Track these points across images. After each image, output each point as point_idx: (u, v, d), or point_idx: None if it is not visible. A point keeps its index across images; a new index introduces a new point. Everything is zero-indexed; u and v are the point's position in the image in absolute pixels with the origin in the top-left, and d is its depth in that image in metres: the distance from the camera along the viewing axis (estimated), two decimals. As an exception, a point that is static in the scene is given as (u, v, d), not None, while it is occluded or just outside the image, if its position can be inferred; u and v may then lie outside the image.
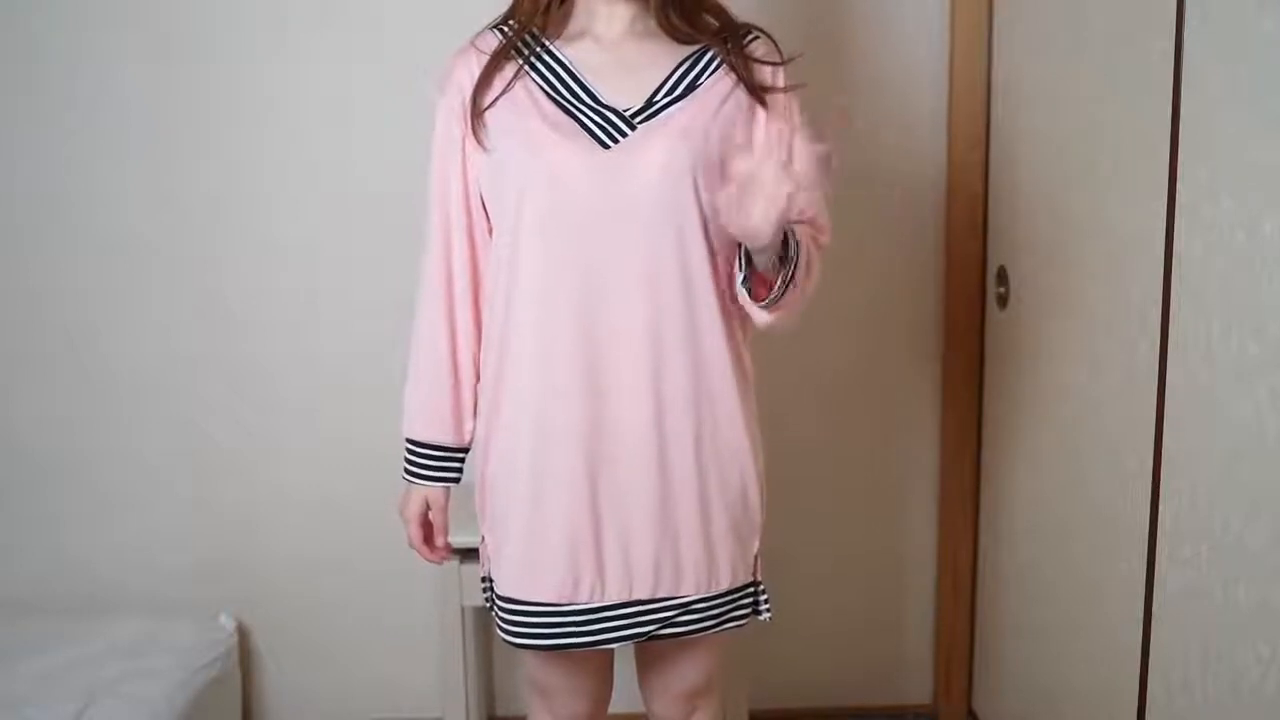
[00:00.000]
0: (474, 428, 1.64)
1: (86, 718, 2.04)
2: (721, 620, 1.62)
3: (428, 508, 1.69)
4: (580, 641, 1.57)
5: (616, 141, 1.49)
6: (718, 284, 1.53)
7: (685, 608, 1.59)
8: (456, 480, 1.68)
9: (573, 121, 1.50)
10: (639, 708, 1.82)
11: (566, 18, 1.55)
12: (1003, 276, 2.25)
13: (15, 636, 2.30)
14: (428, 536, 1.71)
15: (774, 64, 1.57)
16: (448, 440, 1.65)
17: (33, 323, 2.39)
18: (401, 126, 2.30)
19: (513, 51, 1.54)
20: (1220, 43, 1.45)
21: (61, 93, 2.31)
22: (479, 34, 1.60)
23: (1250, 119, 1.38)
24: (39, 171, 2.34)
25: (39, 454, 2.44)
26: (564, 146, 1.49)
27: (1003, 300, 2.25)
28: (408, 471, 1.67)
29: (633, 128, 1.50)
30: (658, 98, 1.51)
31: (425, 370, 1.63)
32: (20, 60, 2.30)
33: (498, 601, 1.61)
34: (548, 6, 1.54)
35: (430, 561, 1.74)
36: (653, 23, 1.54)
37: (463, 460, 1.67)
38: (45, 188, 2.35)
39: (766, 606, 1.67)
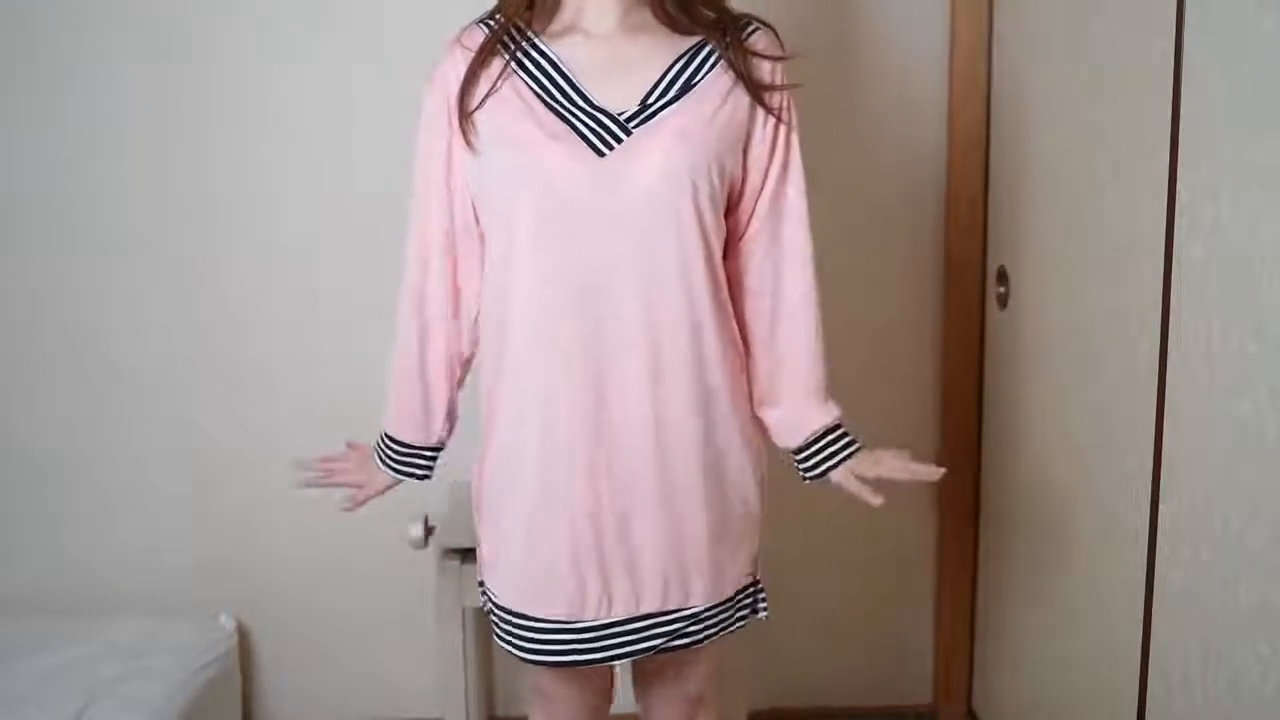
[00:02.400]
0: (441, 432, 1.68)
1: (86, 718, 2.04)
2: (726, 625, 1.61)
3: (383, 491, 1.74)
4: (590, 658, 1.55)
5: (612, 148, 1.45)
6: (716, 287, 1.51)
7: (694, 618, 1.57)
8: (425, 477, 1.72)
9: (566, 127, 1.46)
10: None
11: (554, 10, 1.51)
12: (1003, 276, 2.25)
13: (15, 636, 2.31)
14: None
15: (774, 59, 1.53)
16: (415, 439, 1.68)
17: (33, 323, 2.39)
18: (401, 126, 2.28)
19: (499, 46, 1.50)
20: (1220, 43, 1.44)
21: (61, 93, 2.31)
22: (466, 29, 1.56)
23: (1250, 119, 1.38)
24: (39, 171, 2.34)
25: (39, 454, 2.44)
26: (558, 153, 1.45)
27: (1003, 300, 2.25)
28: (382, 460, 1.72)
29: (628, 133, 1.45)
30: (651, 100, 1.47)
31: (397, 367, 1.65)
32: (20, 60, 2.30)
33: (499, 612, 1.59)
34: None
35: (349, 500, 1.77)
36: (647, 15, 1.50)
37: (433, 460, 1.71)
38: (45, 188, 2.35)
39: (764, 605, 1.66)
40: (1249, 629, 1.40)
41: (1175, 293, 1.56)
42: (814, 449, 1.65)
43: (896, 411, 2.50)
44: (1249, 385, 1.39)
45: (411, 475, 1.71)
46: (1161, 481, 1.62)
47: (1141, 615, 1.68)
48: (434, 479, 2.38)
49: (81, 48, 2.29)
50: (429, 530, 2.18)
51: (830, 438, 1.65)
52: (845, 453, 1.65)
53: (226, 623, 2.43)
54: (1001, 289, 2.25)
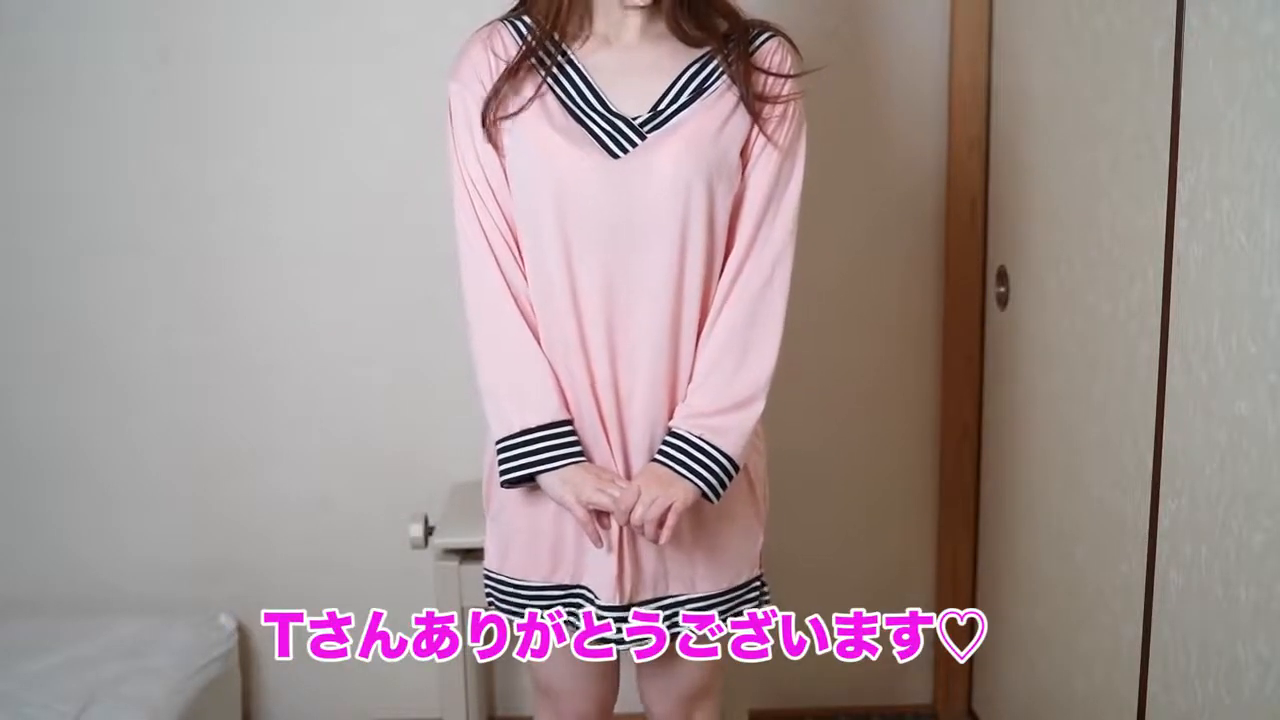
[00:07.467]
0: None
1: (86, 718, 2.04)
2: (727, 615, 1.63)
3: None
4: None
5: (626, 151, 1.48)
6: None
7: (694, 604, 1.59)
8: (580, 453, 1.51)
9: (583, 130, 1.49)
10: (640, 708, 1.82)
11: (582, 18, 1.53)
12: (1003, 276, 2.25)
13: (15, 636, 2.31)
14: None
15: (776, 75, 1.53)
16: (560, 413, 1.52)
17: (33, 323, 2.39)
18: (401, 126, 2.30)
19: (532, 60, 1.50)
20: (1220, 43, 1.44)
21: (61, 93, 2.31)
22: (492, 29, 1.55)
23: (1250, 119, 1.38)
24: (39, 171, 2.34)
25: (39, 454, 2.44)
26: (574, 155, 1.47)
27: (1003, 300, 2.25)
28: (531, 463, 1.51)
29: (642, 137, 1.48)
30: (662, 105, 1.50)
31: (507, 348, 1.52)
32: (20, 60, 2.30)
33: (501, 582, 1.62)
34: (567, 9, 1.51)
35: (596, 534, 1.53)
36: (663, 25, 1.53)
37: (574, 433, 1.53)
38: (45, 188, 2.34)
39: (768, 597, 1.68)
40: (1249, 629, 1.40)
41: (1175, 293, 1.56)
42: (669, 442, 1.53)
43: (896, 411, 2.50)
44: (1249, 385, 1.39)
45: (579, 457, 1.52)
46: (1161, 481, 1.62)
47: (1141, 615, 1.68)
48: (434, 479, 2.42)
49: (81, 48, 2.29)
50: (429, 530, 2.18)
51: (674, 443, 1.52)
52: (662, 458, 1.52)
53: (226, 623, 2.43)
54: (1001, 289, 2.25)
